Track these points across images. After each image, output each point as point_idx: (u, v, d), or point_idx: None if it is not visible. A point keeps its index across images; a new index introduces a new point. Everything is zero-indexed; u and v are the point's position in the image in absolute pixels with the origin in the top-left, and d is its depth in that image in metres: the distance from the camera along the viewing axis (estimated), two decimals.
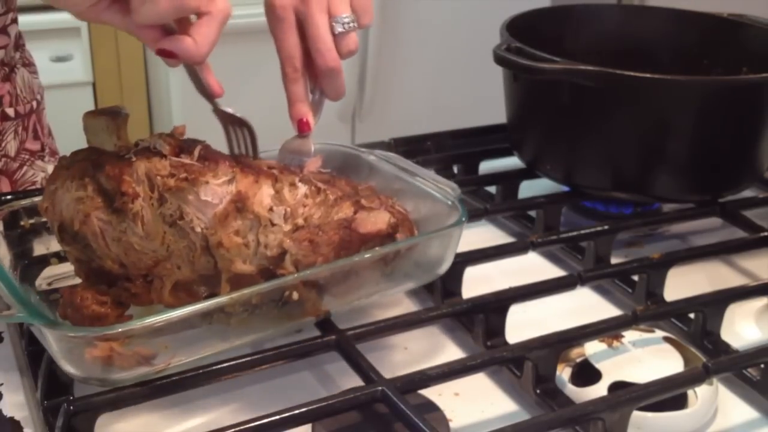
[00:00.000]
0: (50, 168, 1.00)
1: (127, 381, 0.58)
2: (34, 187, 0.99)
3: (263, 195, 0.62)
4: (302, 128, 0.71)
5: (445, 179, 0.73)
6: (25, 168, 0.97)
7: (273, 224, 0.62)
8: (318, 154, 0.71)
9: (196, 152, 0.63)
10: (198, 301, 0.59)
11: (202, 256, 0.61)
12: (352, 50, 0.70)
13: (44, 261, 0.70)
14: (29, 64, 1.00)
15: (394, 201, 0.69)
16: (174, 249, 0.61)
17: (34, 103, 0.99)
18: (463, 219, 0.67)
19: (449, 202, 0.69)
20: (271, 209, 0.62)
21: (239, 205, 0.61)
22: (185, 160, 0.62)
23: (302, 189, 0.64)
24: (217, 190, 0.61)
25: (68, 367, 0.56)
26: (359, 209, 0.65)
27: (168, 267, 0.61)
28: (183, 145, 0.64)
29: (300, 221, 0.62)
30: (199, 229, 0.61)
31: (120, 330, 0.56)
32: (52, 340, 0.55)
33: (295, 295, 0.61)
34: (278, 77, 0.70)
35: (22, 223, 0.70)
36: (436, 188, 0.71)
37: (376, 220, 0.64)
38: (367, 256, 0.63)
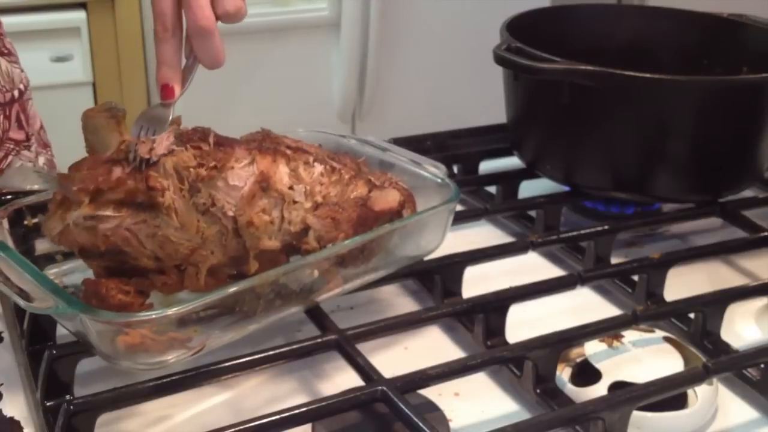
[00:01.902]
0: (42, 159, 1.00)
1: (173, 364, 0.59)
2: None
3: (282, 174, 0.65)
4: (165, 94, 0.66)
5: (428, 158, 0.76)
6: (10, 158, 0.97)
7: (295, 201, 0.65)
8: (172, 128, 0.65)
9: (211, 140, 0.64)
10: (235, 282, 0.60)
11: (233, 238, 0.63)
12: (229, 12, 0.64)
13: (50, 258, 0.71)
14: (9, 54, 0.99)
15: (396, 178, 0.71)
16: (207, 235, 0.63)
17: (16, 93, 0.98)
18: (457, 194, 0.70)
19: (438, 180, 0.73)
20: (291, 187, 0.65)
21: (263, 184, 0.64)
22: (204, 147, 0.63)
23: (318, 168, 0.67)
24: (241, 173, 0.63)
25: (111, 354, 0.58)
26: (372, 188, 0.68)
27: (203, 254, 0.63)
28: (195, 135, 0.65)
29: (318, 199, 0.66)
30: (231, 213, 0.62)
31: (187, 307, 0.56)
32: (93, 330, 0.56)
33: (315, 273, 0.64)
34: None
35: (25, 222, 0.70)
36: (422, 168, 0.74)
37: (388, 198, 0.67)
38: (385, 229, 0.66)
